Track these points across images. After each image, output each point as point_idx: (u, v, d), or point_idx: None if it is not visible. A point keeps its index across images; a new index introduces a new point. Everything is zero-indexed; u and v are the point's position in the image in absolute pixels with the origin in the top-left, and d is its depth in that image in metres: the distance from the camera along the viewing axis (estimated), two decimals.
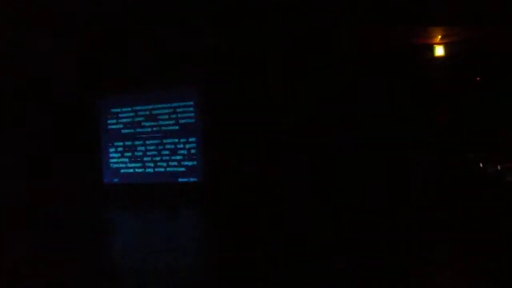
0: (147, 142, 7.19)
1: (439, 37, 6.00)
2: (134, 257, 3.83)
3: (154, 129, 7.14)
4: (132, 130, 7.31)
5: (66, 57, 7.04)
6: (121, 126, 7.42)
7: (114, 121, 7.46)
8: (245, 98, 6.45)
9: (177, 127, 6.99)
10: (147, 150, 7.19)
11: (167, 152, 7.05)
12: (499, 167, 5.41)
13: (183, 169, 6.95)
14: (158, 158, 7.12)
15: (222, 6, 5.70)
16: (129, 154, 7.33)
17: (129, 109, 7.34)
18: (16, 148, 7.51)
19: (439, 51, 6.14)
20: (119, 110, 7.43)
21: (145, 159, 7.21)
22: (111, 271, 3.51)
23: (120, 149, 7.43)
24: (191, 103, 6.90)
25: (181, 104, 6.96)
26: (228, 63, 6.47)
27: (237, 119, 6.46)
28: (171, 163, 7.04)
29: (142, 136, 7.23)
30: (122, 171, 7.41)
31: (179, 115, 6.97)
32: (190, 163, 6.91)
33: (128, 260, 3.74)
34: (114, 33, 6.53)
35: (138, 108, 7.28)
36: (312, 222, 5.04)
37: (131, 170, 7.33)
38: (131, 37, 6.50)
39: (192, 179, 6.91)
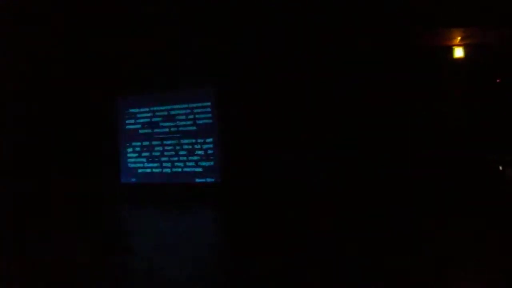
0: (165, 142, 7.26)
1: (459, 38, 5.98)
2: (148, 257, 3.82)
3: (172, 129, 7.22)
4: (149, 130, 7.39)
5: (86, 57, 7.16)
6: (139, 126, 7.51)
7: (132, 121, 7.56)
8: (263, 98, 6.49)
9: (194, 128, 7.05)
10: (164, 150, 7.27)
11: (184, 153, 7.12)
12: None
13: (200, 169, 7.00)
14: (175, 158, 7.19)
15: (242, 7, 5.78)
16: (146, 154, 7.41)
17: (147, 109, 7.42)
18: (34, 148, 7.62)
19: (459, 52, 6.12)
20: (137, 110, 7.52)
21: (162, 159, 7.29)
22: (128, 270, 3.52)
23: (137, 149, 7.51)
24: (209, 103, 6.95)
25: (199, 104, 7.02)
26: (245, 63, 6.52)
27: (254, 119, 6.50)
28: (188, 163, 7.10)
29: (160, 136, 7.30)
30: (139, 171, 7.49)
31: (196, 116, 7.03)
32: (207, 164, 6.96)
33: (141, 260, 3.74)
34: (133, 33, 6.62)
35: (156, 108, 7.36)
36: (333, 222, 5.02)
37: (149, 170, 7.41)
38: (150, 37, 6.59)
39: (209, 180, 6.96)
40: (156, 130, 7.34)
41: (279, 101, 6.49)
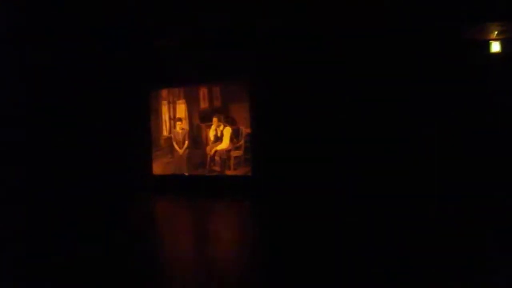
0: None
1: (496, 32, 5.92)
2: (181, 249, 3.90)
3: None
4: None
5: (121, 50, 7.42)
6: None
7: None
8: (297, 92, 6.57)
9: (228, 120, 7.23)
10: None
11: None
12: None
13: (232, 161, 7.16)
14: None
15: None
16: None
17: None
18: (71, 141, 7.90)
19: (495, 47, 6.06)
20: (169, 102, 7.74)
21: None
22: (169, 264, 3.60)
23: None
24: (244, 97, 7.09)
25: (234, 97, 7.17)
26: (280, 57, 6.62)
27: (289, 113, 6.59)
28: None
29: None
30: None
31: (231, 108, 7.19)
32: (239, 156, 7.12)
33: (175, 253, 3.81)
34: (167, 27, 6.83)
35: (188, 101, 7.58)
36: (367, 219, 5.01)
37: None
38: (186, 32, 6.79)
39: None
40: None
41: (315, 95, 6.54)
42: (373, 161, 6.17)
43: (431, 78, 5.97)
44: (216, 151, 7.33)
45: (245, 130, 7.10)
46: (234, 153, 7.19)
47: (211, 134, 7.37)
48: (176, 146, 7.70)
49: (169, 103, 7.76)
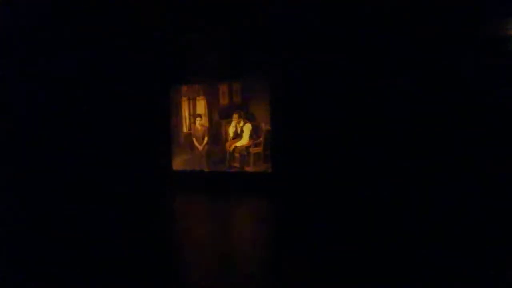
0: None
1: None
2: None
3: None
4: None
5: (142, 47, 7.49)
6: None
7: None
8: (318, 88, 6.51)
9: (248, 116, 7.23)
10: None
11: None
12: None
13: (251, 158, 7.16)
14: None
15: None
16: None
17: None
18: (92, 137, 8.03)
19: None
20: (190, 99, 7.78)
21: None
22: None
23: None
24: (264, 93, 7.08)
25: (254, 94, 7.17)
26: (301, 53, 6.56)
27: (310, 109, 6.54)
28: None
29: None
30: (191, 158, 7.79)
31: (250, 104, 7.20)
32: (258, 152, 7.11)
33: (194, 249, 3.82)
34: (189, 24, 6.86)
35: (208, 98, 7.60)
36: (390, 216, 4.95)
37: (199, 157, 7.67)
38: (206, 29, 6.81)
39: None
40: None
41: (334, 93, 6.47)
42: (396, 158, 6.07)
43: (461, 75, 5.83)
44: (235, 147, 7.34)
45: (264, 126, 7.09)
46: (254, 150, 7.19)
47: (231, 130, 7.39)
48: (195, 142, 7.75)
49: (189, 99, 7.81)
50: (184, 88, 7.83)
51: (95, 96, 8.00)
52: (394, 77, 6.09)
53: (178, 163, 7.89)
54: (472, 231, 4.00)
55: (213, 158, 7.58)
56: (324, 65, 6.47)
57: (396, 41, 6.07)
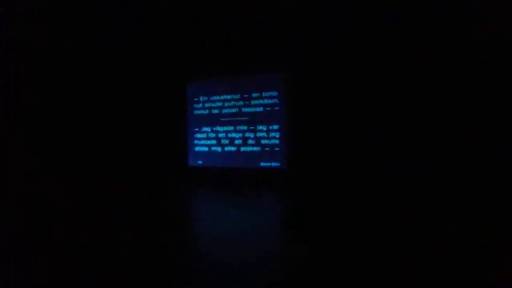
0: (231, 127, 7.38)
1: None
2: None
3: (238, 115, 7.31)
4: (217, 112, 7.57)
5: (157, 43, 7.50)
6: (206, 111, 7.72)
7: (200, 105, 7.79)
8: (333, 85, 6.29)
9: (261, 113, 7.06)
10: (230, 134, 7.40)
11: (251, 135, 7.16)
12: None
13: (265, 153, 7.00)
14: (239, 142, 7.28)
15: None
16: (213, 135, 7.61)
17: (217, 97, 7.60)
18: (108, 132, 8.18)
19: None
20: (205, 95, 7.73)
21: (227, 142, 7.43)
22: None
23: (204, 134, 7.74)
24: (277, 90, 6.92)
25: (267, 90, 7.02)
26: (316, 48, 6.36)
27: (324, 106, 6.34)
28: (254, 148, 7.13)
29: (226, 121, 7.43)
30: (206, 154, 7.72)
31: (264, 101, 7.04)
32: (273, 149, 6.94)
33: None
34: (203, 20, 6.79)
35: (224, 93, 7.50)
36: (404, 214, 4.69)
37: (215, 153, 7.59)
38: (221, 25, 6.71)
39: (274, 164, 6.92)
40: (224, 111, 7.50)
41: (349, 90, 6.23)
42: (409, 155, 5.75)
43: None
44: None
45: (278, 122, 6.92)
46: (268, 146, 7.05)
47: None
48: None
49: (205, 94, 7.77)
50: (200, 83, 7.78)
51: (113, 93, 8.13)
52: (405, 75, 5.77)
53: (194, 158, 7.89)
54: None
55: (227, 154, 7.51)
56: (339, 61, 6.25)
57: (406, 37, 5.74)
